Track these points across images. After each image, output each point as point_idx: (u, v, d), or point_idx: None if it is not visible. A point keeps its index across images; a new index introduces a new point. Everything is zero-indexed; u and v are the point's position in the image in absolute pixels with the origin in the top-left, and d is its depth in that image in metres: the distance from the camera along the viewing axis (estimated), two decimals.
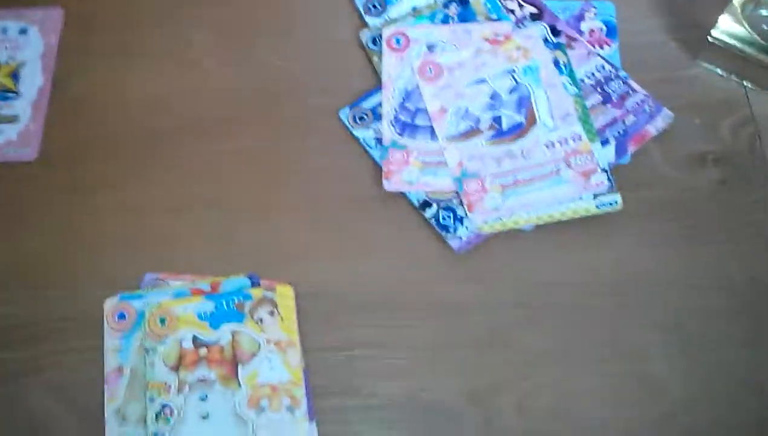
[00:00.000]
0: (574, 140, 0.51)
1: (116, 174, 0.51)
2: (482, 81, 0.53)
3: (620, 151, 0.51)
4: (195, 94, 0.53)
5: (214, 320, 0.45)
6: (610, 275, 0.48)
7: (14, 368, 0.45)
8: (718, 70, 0.54)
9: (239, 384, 0.43)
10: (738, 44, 0.53)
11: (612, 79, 0.53)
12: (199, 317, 0.45)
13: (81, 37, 0.54)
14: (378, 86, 0.53)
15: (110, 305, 0.46)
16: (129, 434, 0.43)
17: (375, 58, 0.54)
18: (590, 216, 0.49)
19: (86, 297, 0.46)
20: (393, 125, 0.51)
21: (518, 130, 0.51)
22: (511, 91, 0.52)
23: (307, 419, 0.43)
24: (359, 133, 0.52)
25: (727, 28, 0.54)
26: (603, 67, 0.54)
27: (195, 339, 0.44)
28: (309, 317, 0.46)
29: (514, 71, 0.53)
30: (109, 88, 0.53)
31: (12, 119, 0.51)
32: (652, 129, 0.52)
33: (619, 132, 0.52)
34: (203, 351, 0.44)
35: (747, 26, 0.53)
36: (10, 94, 0.52)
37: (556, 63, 0.53)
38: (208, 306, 0.45)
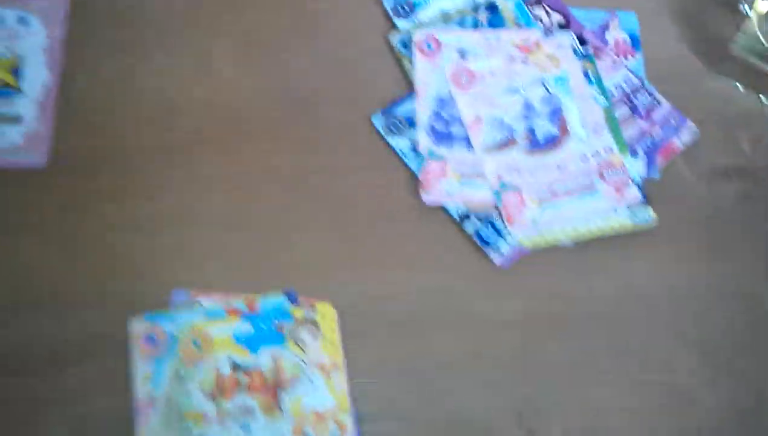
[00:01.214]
0: (606, 152, 0.51)
1: (136, 183, 0.47)
2: (515, 90, 0.52)
3: (650, 164, 0.52)
4: (215, 100, 0.50)
5: (253, 343, 0.42)
6: (642, 290, 0.49)
7: (30, 399, 0.41)
8: (738, 84, 0.56)
9: (282, 412, 0.41)
10: (756, 59, 0.55)
11: (639, 92, 0.54)
12: (237, 339, 0.42)
13: (90, 30, 0.49)
14: (411, 92, 0.51)
15: (137, 327, 0.42)
16: None
17: (406, 63, 0.52)
18: (626, 231, 0.49)
19: (108, 319, 0.42)
20: (429, 134, 0.50)
21: (553, 142, 0.51)
22: (544, 101, 0.52)
23: None
24: (394, 141, 0.50)
25: (745, 42, 0.55)
26: (630, 80, 0.54)
27: (233, 364, 0.42)
28: (347, 335, 0.44)
29: (545, 81, 0.52)
30: (122, 90, 0.49)
31: (14, 120, 0.46)
32: (679, 143, 0.53)
33: (647, 145, 0.52)
34: (243, 377, 0.41)
35: (764, 41, 0.54)
36: (12, 91, 0.47)
37: (585, 74, 0.53)
38: (246, 328, 0.43)
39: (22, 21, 0.48)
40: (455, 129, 0.50)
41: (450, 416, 0.44)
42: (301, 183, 0.48)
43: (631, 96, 0.53)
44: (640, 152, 0.52)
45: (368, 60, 0.52)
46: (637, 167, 0.51)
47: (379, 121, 0.50)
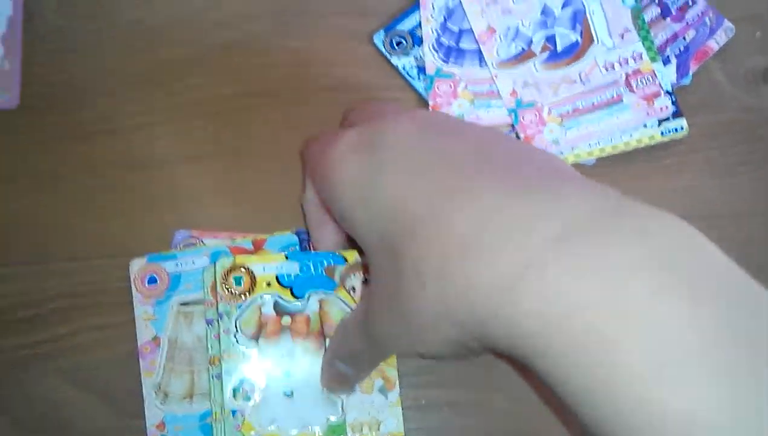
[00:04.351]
0: (635, 60, 0.46)
1: (119, 118, 0.43)
2: None
3: (682, 70, 0.47)
4: (200, 21, 0.45)
5: (300, 286, 0.39)
6: (675, 208, 0.45)
7: (23, 355, 0.40)
8: None
9: None
10: None
11: None
12: (281, 279, 0.39)
13: None
14: (415, 4, 0.46)
15: (138, 267, 0.40)
16: (175, 414, 0.39)
17: None
18: (654, 144, 0.45)
19: (105, 266, 0.41)
20: (436, 50, 0.45)
21: (575, 52, 0.46)
22: (564, 4, 0.46)
23: (401, 403, 0.39)
24: (398, 61, 0.45)
25: None
26: None
27: (276, 305, 0.39)
28: None
29: None
30: (97, 16, 0.45)
31: None
32: (714, 44, 0.48)
33: (680, 49, 0.47)
34: (286, 320, 0.39)
35: None
36: None
37: None
38: (292, 268, 0.39)
39: None
40: (465, 43, 0.45)
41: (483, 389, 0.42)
42: (300, 112, 0.44)
43: None
44: (672, 58, 0.47)
45: None
46: (668, 75, 0.46)
47: (379, 39, 0.45)
